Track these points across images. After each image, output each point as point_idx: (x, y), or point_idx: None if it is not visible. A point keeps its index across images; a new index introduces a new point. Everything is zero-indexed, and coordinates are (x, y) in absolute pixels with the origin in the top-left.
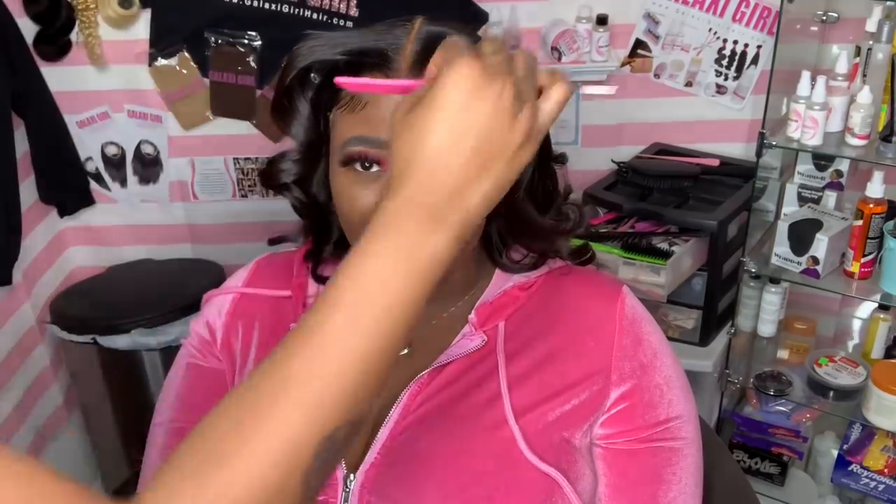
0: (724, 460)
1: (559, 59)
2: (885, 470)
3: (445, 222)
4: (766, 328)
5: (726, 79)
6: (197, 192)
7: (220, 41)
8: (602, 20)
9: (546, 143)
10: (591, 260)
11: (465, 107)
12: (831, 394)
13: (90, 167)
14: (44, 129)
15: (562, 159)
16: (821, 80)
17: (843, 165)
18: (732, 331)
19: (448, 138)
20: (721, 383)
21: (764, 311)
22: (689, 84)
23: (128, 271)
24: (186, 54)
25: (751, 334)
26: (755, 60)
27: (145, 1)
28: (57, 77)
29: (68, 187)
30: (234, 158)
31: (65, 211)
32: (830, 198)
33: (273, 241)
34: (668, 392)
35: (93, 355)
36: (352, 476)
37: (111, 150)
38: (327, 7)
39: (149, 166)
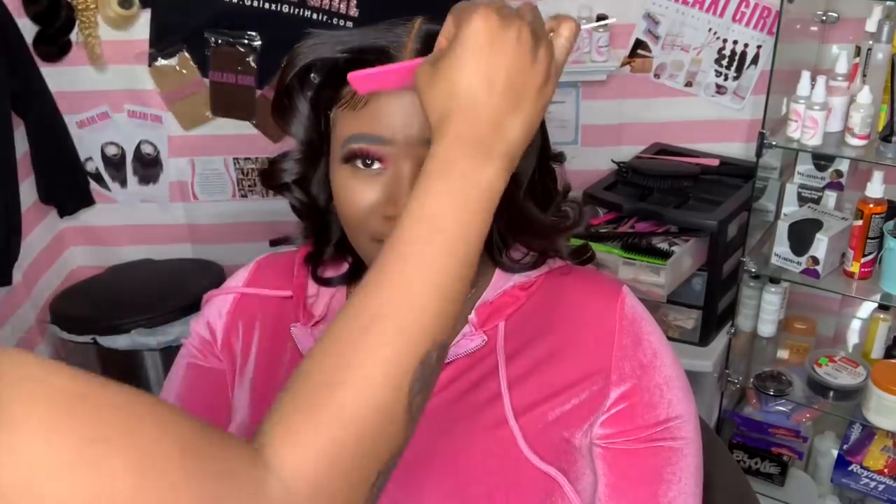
0: (724, 460)
1: None
2: (885, 470)
3: (492, 153)
4: (766, 328)
5: (726, 79)
6: (197, 192)
7: (220, 41)
8: (602, 20)
9: (545, 141)
10: (590, 260)
11: (490, 50)
12: (831, 394)
13: (90, 167)
14: (44, 129)
15: (560, 158)
16: (821, 80)
17: (843, 165)
18: (732, 331)
19: (481, 79)
20: (721, 383)
21: (764, 311)
22: (689, 84)
23: (128, 271)
24: (186, 54)
25: (751, 334)
26: (755, 60)
27: (145, 1)
28: (57, 77)
29: (68, 187)
30: (234, 158)
31: (65, 211)
32: (830, 198)
33: (275, 242)
34: (668, 392)
35: (93, 355)
36: None
37: (111, 150)
38: (327, 7)
39: (149, 166)
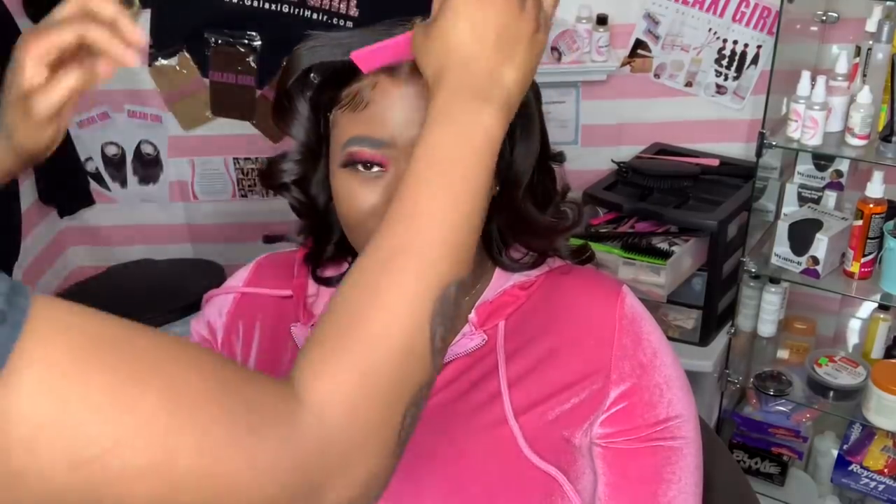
0: (724, 460)
1: (559, 59)
2: (885, 470)
3: (489, 98)
4: (766, 328)
5: (726, 79)
6: (197, 192)
7: (220, 41)
8: (602, 20)
9: (545, 142)
10: (590, 259)
11: (477, 5)
12: (831, 394)
13: (90, 167)
14: None
15: (560, 158)
16: (821, 80)
17: (843, 165)
18: (732, 331)
19: (471, 33)
20: (721, 383)
21: (764, 311)
22: (689, 84)
23: (128, 271)
24: (186, 54)
25: (751, 334)
26: (755, 60)
27: (145, 1)
28: None
29: (68, 187)
30: (234, 158)
31: (65, 211)
32: (830, 198)
33: (270, 240)
34: (668, 391)
35: None
36: None
37: (111, 150)
38: (327, 7)
39: (149, 166)
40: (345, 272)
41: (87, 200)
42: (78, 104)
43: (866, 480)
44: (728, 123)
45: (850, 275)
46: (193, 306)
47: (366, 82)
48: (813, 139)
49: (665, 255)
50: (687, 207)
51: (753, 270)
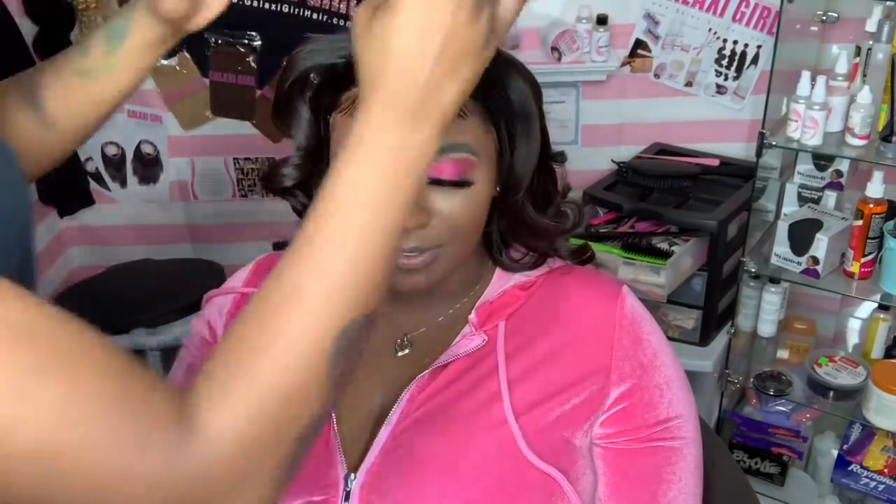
0: (724, 460)
1: (559, 59)
2: (885, 470)
3: (425, 118)
4: (766, 328)
5: (726, 79)
6: (197, 192)
7: (220, 41)
8: (602, 20)
9: (545, 142)
10: (590, 259)
11: (427, 8)
12: (831, 394)
13: (90, 167)
14: None
15: (560, 158)
16: (821, 80)
17: (843, 165)
18: (732, 331)
19: (416, 39)
20: (721, 383)
21: (764, 311)
22: (689, 84)
23: (128, 271)
24: (186, 54)
25: (751, 334)
26: (755, 60)
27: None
28: None
29: (68, 187)
30: (234, 158)
31: (65, 211)
32: (830, 198)
33: (278, 246)
34: (668, 392)
35: None
36: (353, 475)
37: (111, 150)
38: (327, 7)
39: (149, 166)
40: None
41: (87, 200)
42: None
43: (866, 480)
44: (728, 123)
45: (850, 275)
46: (193, 306)
47: None
48: (813, 139)
49: (665, 255)
50: (687, 207)
51: (753, 270)
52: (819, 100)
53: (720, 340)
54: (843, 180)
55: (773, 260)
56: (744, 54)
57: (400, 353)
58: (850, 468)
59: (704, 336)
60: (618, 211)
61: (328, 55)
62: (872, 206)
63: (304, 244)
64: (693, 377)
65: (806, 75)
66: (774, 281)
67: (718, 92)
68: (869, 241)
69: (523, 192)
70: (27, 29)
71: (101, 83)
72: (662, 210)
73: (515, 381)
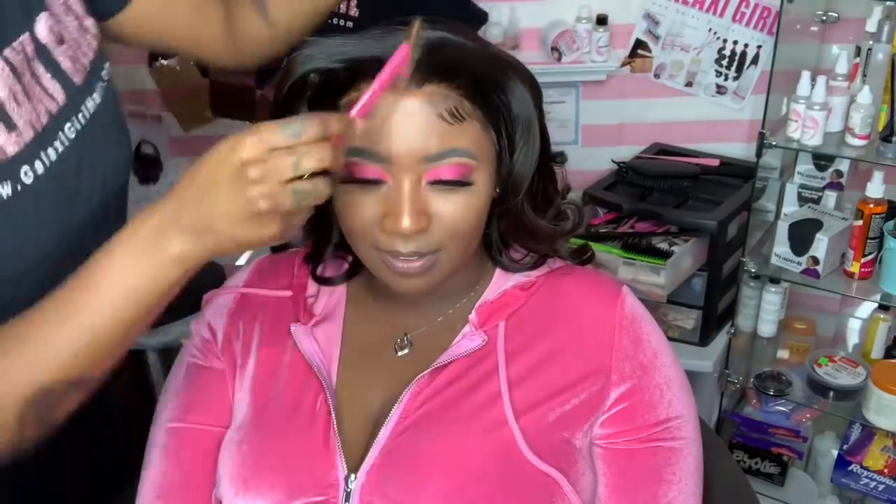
0: (724, 460)
1: (559, 59)
2: (885, 470)
3: (196, 234)
4: (766, 328)
5: (726, 79)
6: None
7: None
8: (602, 20)
9: (545, 144)
10: (590, 260)
11: (212, 181)
12: (831, 394)
13: None
14: None
15: (560, 158)
16: (821, 80)
17: (843, 165)
18: (732, 331)
19: (193, 192)
20: (721, 383)
21: (764, 311)
22: (689, 84)
23: None
24: None
25: (751, 334)
26: (755, 60)
27: None
28: None
29: None
30: None
31: None
32: (830, 198)
33: (276, 249)
34: (668, 392)
35: None
36: (353, 476)
37: None
38: None
39: (149, 166)
40: (345, 272)
41: None
42: None
43: (866, 480)
44: (728, 123)
45: (850, 275)
46: (193, 306)
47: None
48: (813, 139)
49: (665, 255)
50: (687, 207)
51: (753, 270)
52: (819, 100)
53: (720, 340)
54: (843, 180)
55: (773, 260)
56: (744, 54)
57: (400, 353)
58: (850, 468)
59: (704, 336)
60: (618, 211)
61: (326, 60)
62: (872, 207)
63: (51, 301)
64: (693, 377)
65: (806, 75)
66: (774, 281)
67: (718, 92)
68: (869, 241)
69: (523, 195)
70: None
71: None
72: (662, 210)
73: (515, 381)
